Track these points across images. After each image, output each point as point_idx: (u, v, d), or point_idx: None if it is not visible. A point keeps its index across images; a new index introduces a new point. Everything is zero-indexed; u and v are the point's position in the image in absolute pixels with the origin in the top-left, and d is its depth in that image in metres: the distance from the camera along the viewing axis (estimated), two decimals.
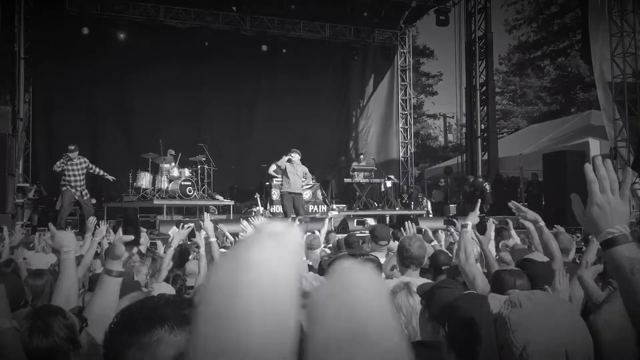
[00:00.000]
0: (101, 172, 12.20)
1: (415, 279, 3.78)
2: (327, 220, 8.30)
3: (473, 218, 3.65)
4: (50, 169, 15.93)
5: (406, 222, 4.76)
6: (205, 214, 4.64)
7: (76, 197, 11.67)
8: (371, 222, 5.66)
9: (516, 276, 3.19)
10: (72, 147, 11.75)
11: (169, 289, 3.27)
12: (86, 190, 11.86)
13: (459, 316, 1.96)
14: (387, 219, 14.93)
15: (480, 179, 15.95)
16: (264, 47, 17.92)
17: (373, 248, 5.25)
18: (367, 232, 7.07)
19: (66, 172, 11.67)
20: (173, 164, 14.00)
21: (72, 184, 11.62)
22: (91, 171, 12.03)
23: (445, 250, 4.94)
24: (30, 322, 1.85)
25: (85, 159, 11.95)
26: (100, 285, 2.08)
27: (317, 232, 7.24)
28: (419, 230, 6.32)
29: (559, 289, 3.32)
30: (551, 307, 1.37)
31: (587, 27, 15.67)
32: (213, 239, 4.47)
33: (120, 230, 2.27)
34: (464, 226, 3.49)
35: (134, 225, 2.33)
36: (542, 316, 1.33)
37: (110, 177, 12.43)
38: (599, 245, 1.47)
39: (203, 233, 4.32)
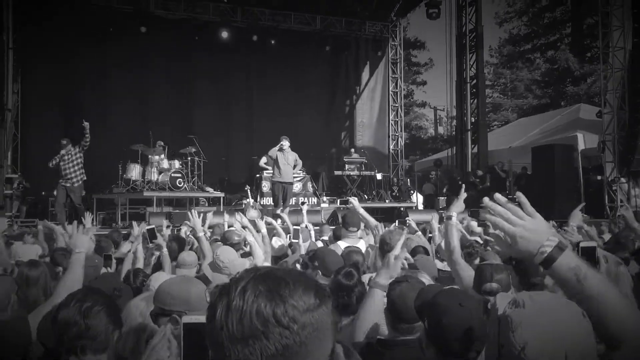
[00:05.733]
0: (87, 137, 11.23)
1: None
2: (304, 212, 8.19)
3: (457, 207, 3.38)
4: (39, 160, 15.88)
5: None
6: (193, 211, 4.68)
7: (66, 188, 11.37)
8: (355, 202, 5.62)
9: (495, 270, 3.10)
10: (65, 142, 11.50)
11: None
12: (78, 177, 11.44)
13: (439, 311, 1.95)
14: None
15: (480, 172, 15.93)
16: (255, 37, 17.84)
17: (343, 234, 5.26)
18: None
19: (61, 166, 11.41)
20: (163, 155, 13.93)
21: (65, 177, 11.36)
22: (85, 147, 11.41)
23: (422, 245, 4.90)
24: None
25: (74, 149, 11.42)
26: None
27: (309, 225, 7.25)
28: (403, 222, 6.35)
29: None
30: (554, 308, 1.36)
31: (577, 21, 15.69)
32: (201, 234, 4.51)
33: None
34: (448, 218, 3.25)
35: None
36: (544, 317, 1.33)
37: (86, 128, 11.15)
38: (542, 268, 1.46)
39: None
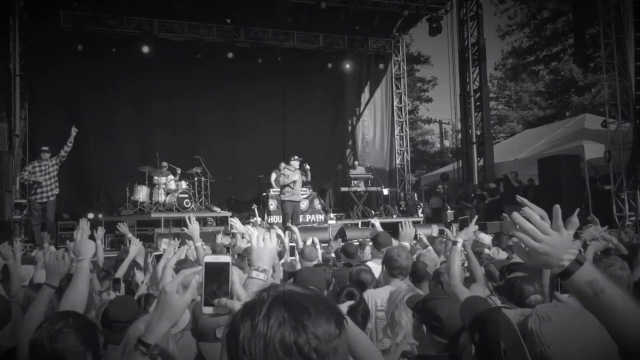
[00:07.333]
0: (69, 145, 11.01)
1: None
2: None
3: (465, 234, 3.39)
4: None
5: (405, 222, 4.70)
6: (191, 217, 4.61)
7: (44, 202, 11.04)
8: (377, 223, 5.62)
9: (534, 283, 3.05)
10: (46, 149, 11.17)
11: None
12: (53, 192, 11.12)
13: (492, 328, 1.94)
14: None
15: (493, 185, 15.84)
16: (260, 60, 17.98)
17: (375, 254, 5.22)
18: (369, 237, 6.99)
19: (39, 177, 11.03)
20: (170, 176, 14.00)
21: (41, 188, 10.99)
22: (63, 159, 11.19)
23: (423, 261, 4.86)
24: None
25: (50, 160, 11.13)
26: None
27: (315, 239, 7.20)
28: (414, 237, 6.29)
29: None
30: (577, 318, 1.38)
31: (579, 31, 15.72)
32: (198, 244, 4.53)
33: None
34: (453, 243, 3.21)
35: None
36: (573, 328, 1.34)
37: (73, 135, 10.99)
38: (560, 280, 1.50)
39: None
